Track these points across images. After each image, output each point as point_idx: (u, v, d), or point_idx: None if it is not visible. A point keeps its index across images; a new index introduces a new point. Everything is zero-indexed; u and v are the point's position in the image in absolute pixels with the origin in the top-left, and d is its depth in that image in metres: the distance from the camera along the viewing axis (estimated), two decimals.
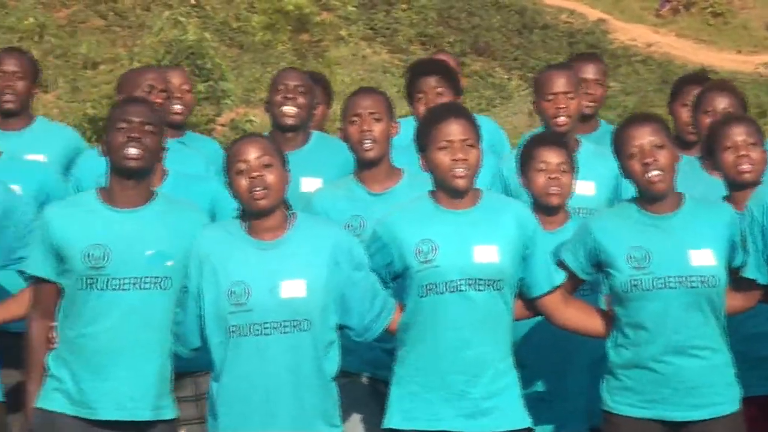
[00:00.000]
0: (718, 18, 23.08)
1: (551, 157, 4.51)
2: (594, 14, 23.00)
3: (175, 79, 5.33)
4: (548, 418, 4.45)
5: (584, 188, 4.81)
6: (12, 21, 17.91)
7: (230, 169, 3.94)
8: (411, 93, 5.08)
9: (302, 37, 20.83)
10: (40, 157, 5.00)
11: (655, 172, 4.13)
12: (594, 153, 4.97)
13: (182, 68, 6.27)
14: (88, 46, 17.62)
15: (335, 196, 4.53)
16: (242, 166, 3.91)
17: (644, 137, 4.11)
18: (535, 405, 4.26)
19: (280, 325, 3.88)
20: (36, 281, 4.03)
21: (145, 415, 3.94)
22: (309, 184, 4.78)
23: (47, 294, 4.01)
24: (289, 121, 4.97)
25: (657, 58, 21.10)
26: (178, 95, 5.31)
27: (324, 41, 21.01)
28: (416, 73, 5.11)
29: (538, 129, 5.40)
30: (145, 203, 4.00)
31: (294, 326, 3.89)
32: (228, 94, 15.15)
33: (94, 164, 4.61)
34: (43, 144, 5.08)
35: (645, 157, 4.12)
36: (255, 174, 3.89)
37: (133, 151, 3.92)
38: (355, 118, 4.51)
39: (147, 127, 3.98)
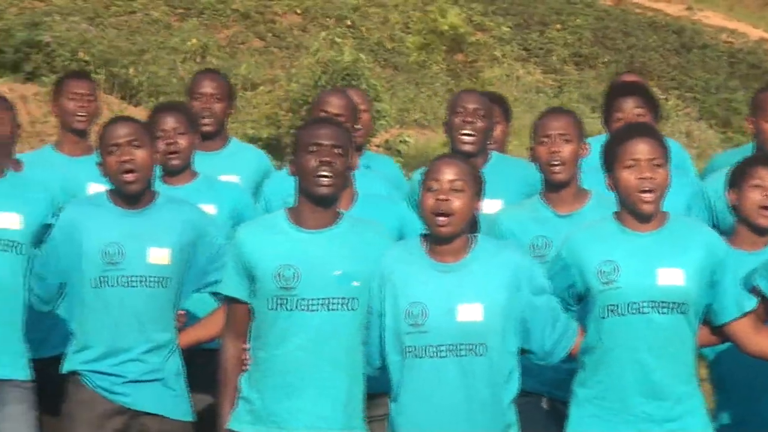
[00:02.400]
0: None
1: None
2: (756, 33, 22.87)
3: (353, 99, 5.28)
4: None
5: None
6: (176, 42, 18.65)
7: (423, 184, 3.98)
8: (609, 114, 5.08)
9: (457, 57, 21.24)
10: (234, 178, 5.17)
11: None
12: None
13: (358, 90, 6.30)
14: (247, 67, 18.28)
15: (521, 216, 4.56)
16: (434, 185, 3.94)
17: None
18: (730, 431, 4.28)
19: (456, 348, 3.90)
20: (229, 302, 4.10)
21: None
22: (489, 205, 4.72)
23: (240, 315, 4.07)
24: (467, 147, 4.98)
25: None
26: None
27: (478, 61, 21.37)
28: (616, 94, 5.10)
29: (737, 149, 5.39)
30: (332, 224, 4.06)
31: (469, 350, 3.91)
32: (383, 115, 15.53)
33: (281, 185, 4.72)
34: (237, 165, 5.21)
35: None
36: (442, 197, 3.92)
37: (325, 177, 3.98)
38: (545, 139, 4.53)
39: (337, 150, 4.01)
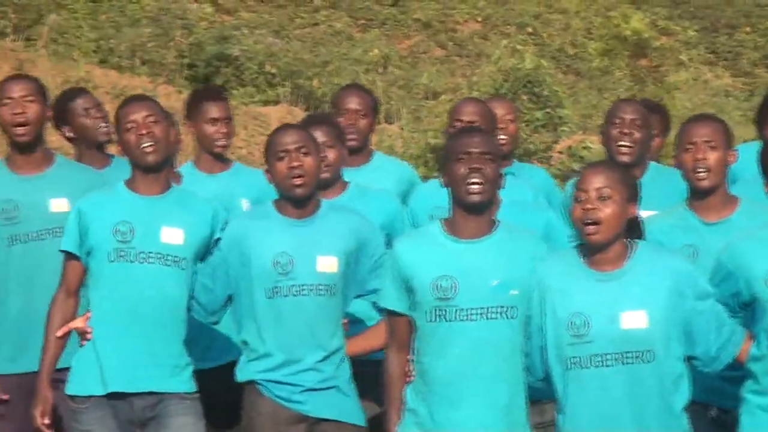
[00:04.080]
0: None
1: None
2: None
3: (499, 109, 5.48)
4: None
5: None
6: (358, 53, 19.16)
7: (573, 195, 4.05)
8: (765, 118, 5.03)
9: (640, 62, 21.24)
10: None
11: None
12: None
13: (505, 101, 6.17)
14: (428, 76, 18.67)
15: (667, 225, 4.56)
16: (582, 195, 3.99)
17: None
18: None
19: (621, 356, 3.94)
20: (390, 315, 4.19)
21: None
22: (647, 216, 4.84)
23: (402, 327, 4.16)
24: (624, 158, 5.05)
25: None
26: (502, 126, 5.41)
27: (663, 66, 21.31)
28: None
29: None
30: (487, 233, 4.12)
31: (636, 357, 3.94)
32: (565, 121, 15.64)
33: (428, 196, 4.90)
34: (381, 179, 5.26)
35: None
36: (589, 207, 3.96)
37: (476, 184, 4.05)
38: (690, 146, 4.53)
39: (486, 157, 4.09)
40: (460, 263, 4.07)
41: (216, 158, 5.27)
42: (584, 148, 15.42)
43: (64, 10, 16.94)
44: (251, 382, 4.39)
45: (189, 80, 16.06)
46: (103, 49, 16.42)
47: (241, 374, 4.41)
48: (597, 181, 3.99)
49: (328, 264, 4.36)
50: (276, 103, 15.89)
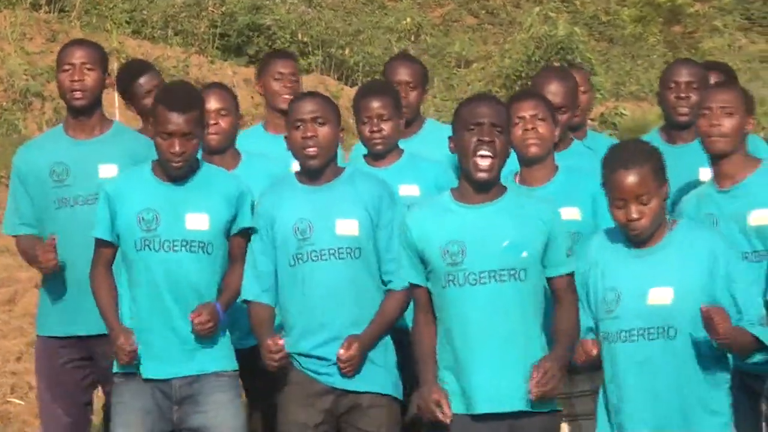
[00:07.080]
0: None
1: None
2: None
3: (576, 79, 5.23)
4: None
5: None
6: (390, 21, 19.28)
7: (611, 201, 4.00)
8: None
9: (674, 29, 21.23)
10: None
11: None
12: None
13: (580, 69, 6.01)
14: (461, 45, 18.76)
15: None
16: (621, 203, 3.96)
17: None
18: None
19: (645, 332, 3.96)
20: (412, 286, 4.19)
21: (515, 405, 4.04)
22: (706, 175, 4.74)
23: (424, 296, 4.15)
24: (683, 119, 5.01)
25: None
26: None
27: (697, 32, 21.30)
28: None
29: None
30: (496, 198, 4.09)
31: (659, 333, 3.96)
32: (597, 88, 15.74)
33: None
34: (432, 147, 5.20)
35: None
36: (635, 217, 3.95)
37: (485, 159, 4.02)
38: (706, 112, 4.42)
39: (497, 129, 4.03)
40: (468, 227, 4.06)
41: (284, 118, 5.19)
42: (617, 114, 15.50)
43: None
44: None
45: (221, 50, 16.21)
46: (135, 19, 16.56)
47: None
48: (632, 185, 3.94)
49: (349, 227, 4.35)
50: (308, 72, 15.99)
